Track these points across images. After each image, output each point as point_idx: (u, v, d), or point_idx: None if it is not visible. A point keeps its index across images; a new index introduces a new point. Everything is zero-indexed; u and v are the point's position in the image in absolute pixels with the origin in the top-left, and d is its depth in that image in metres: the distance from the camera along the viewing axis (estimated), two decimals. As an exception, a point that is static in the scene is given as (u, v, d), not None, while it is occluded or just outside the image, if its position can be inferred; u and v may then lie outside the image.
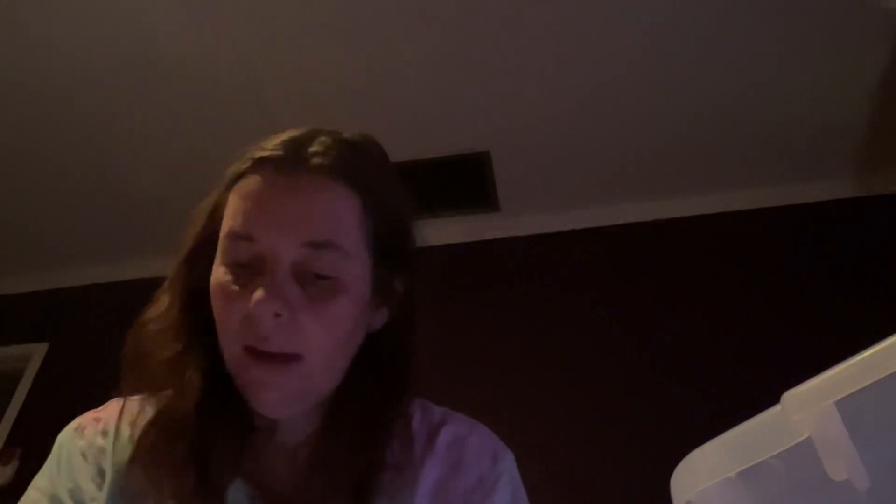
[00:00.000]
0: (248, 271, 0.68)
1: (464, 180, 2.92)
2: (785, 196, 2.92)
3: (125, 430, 0.74)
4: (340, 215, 0.69)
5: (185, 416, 0.70)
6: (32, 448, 2.67)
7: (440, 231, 2.96)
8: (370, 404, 0.74)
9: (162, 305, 0.75)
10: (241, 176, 0.71)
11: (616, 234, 2.97)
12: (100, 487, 0.71)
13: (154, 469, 0.69)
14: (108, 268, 3.25)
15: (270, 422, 0.73)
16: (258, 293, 0.65)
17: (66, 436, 0.76)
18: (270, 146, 0.72)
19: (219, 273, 0.69)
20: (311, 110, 2.52)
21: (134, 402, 0.76)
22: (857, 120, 2.69)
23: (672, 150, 2.80)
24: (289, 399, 0.68)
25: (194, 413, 0.70)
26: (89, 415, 0.78)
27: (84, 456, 0.74)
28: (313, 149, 0.71)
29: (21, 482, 2.02)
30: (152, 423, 0.72)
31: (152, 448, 0.70)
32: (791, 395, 0.53)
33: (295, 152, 0.71)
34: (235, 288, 0.67)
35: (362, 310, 0.72)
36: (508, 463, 0.78)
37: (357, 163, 0.72)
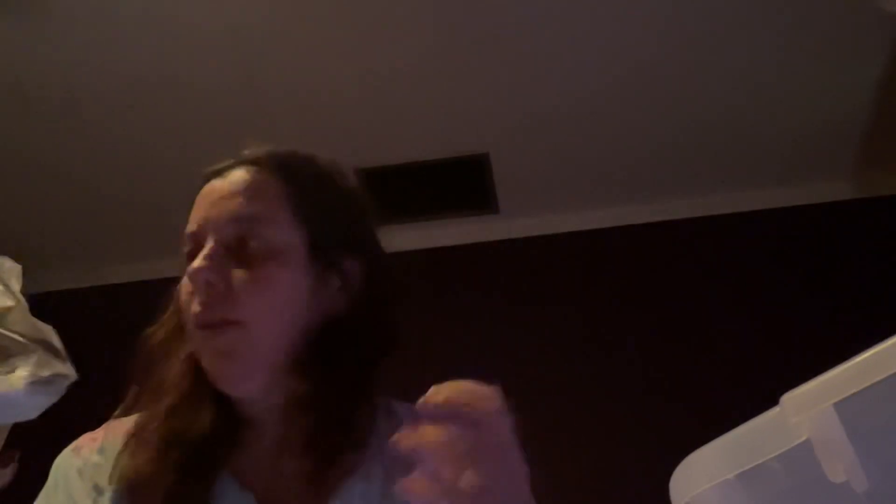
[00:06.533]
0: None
1: (462, 182, 2.91)
2: (785, 198, 2.91)
3: (120, 446, 0.75)
4: (259, 190, 0.76)
5: (184, 427, 0.72)
6: (31, 450, 2.66)
7: (439, 233, 2.96)
8: (342, 394, 0.74)
9: (165, 316, 0.80)
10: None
11: (616, 236, 2.97)
12: (95, 502, 0.73)
13: (149, 476, 0.71)
14: (108, 270, 3.25)
15: (256, 417, 0.75)
16: (192, 265, 0.71)
17: (63, 457, 0.79)
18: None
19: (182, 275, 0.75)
20: (309, 114, 2.51)
21: (129, 420, 0.78)
22: (857, 123, 2.69)
23: (672, 152, 2.79)
24: (242, 369, 0.71)
25: (190, 421, 0.72)
26: (86, 435, 0.81)
27: (80, 473, 0.76)
28: (247, 151, 0.80)
29: (20, 485, 2.01)
30: (149, 433, 0.74)
31: (149, 457, 0.72)
32: (790, 397, 0.53)
33: (233, 158, 0.80)
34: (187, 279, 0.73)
35: (300, 276, 0.75)
36: None
37: (281, 155, 0.80)
